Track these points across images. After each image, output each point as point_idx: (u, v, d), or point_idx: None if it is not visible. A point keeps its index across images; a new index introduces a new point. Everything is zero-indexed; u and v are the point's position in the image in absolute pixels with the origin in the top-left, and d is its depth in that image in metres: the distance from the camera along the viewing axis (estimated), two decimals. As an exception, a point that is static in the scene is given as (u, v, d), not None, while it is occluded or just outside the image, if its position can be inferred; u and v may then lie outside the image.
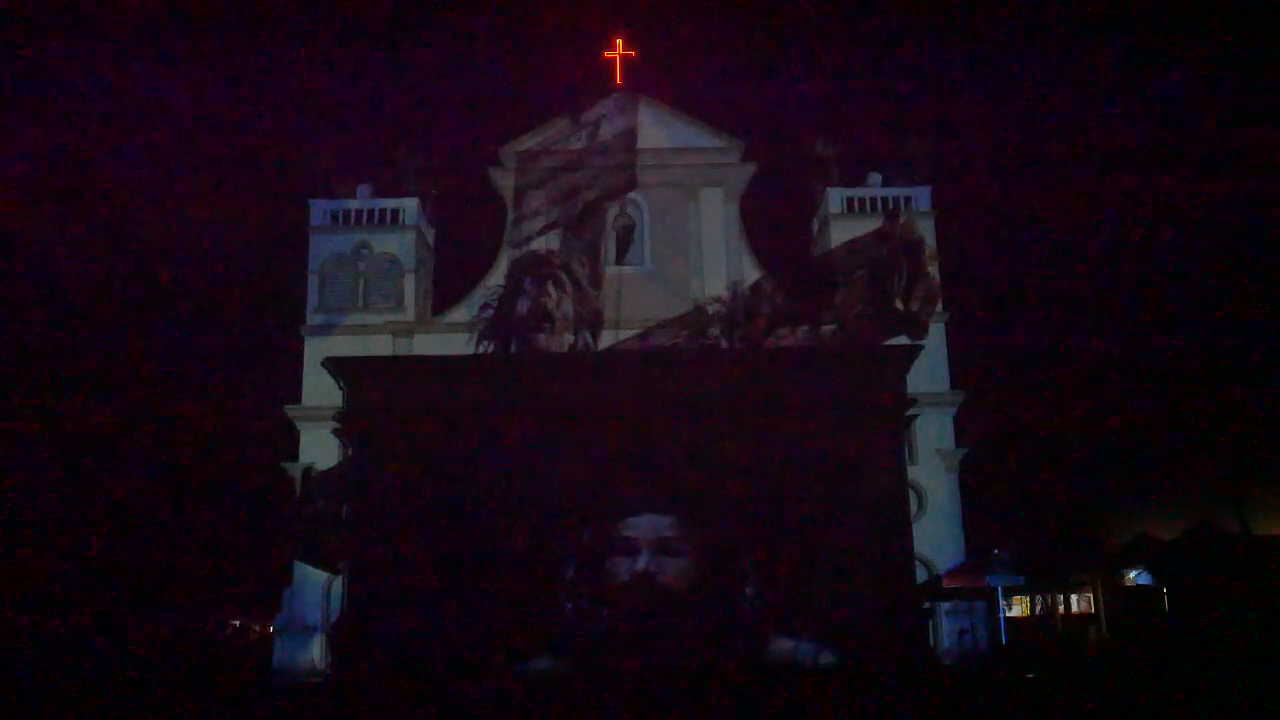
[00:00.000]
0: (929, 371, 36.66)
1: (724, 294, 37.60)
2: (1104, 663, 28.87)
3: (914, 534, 33.42)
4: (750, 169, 41.11)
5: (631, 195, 39.89)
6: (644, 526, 31.24)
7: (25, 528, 41.88)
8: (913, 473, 35.94)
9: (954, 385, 38.24)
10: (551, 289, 36.68)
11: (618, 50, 41.25)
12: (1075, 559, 32.58)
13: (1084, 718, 19.89)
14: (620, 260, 39.93)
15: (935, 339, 37.15)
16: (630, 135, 39.16)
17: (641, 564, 30.71)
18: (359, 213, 40.62)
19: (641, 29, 47.34)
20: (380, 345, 38.56)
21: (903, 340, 35.13)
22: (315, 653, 35.87)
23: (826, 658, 30.43)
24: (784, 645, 30.72)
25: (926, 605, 33.67)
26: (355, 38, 78.02)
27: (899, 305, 35.70)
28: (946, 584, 32.94)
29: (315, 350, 38.09)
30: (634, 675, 27.74)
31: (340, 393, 35.78)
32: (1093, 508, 40.41)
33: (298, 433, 38.27)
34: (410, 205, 40.73)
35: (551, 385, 33.28)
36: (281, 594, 36.85)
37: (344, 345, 37.20)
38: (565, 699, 23.58)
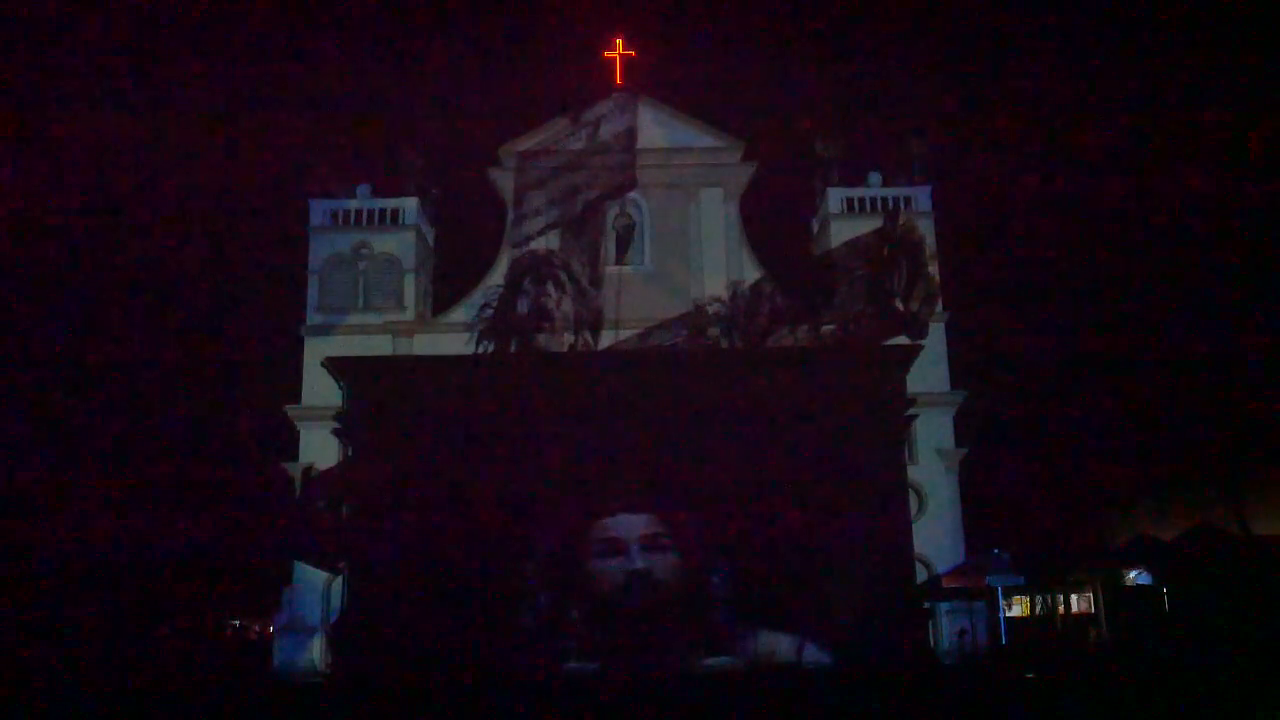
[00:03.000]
0: (929, 371, 36.63)
1: (724, 294, 37.65)
2: (1104, 663, 28.87)
3: (914, 534, 33.47)
4: (750, 169, 41.08)
5: (631, 195, 39.86)
6: (643, 526, 31.30)
7: (25, 528, 41.86)
8: (913, 473, 35.94)
9: (954, 385, 38.23)
10: (551, 289, 36.76)
11: (618, 50, 41.22)
12: (1075, 559, 32.59)
13: (1084, 718, 19.89)
14: (620, 260, 39.90)
15: (935, 339, 37.13)
16: (630, 135, 39.16)
17: (640, 563, 30.81)
18: (359, 213, 40.59)
19: (641, 29, 47.29)
20: (380, 345, 38.54)
21: (903, 340, 35.19)
22: (315, 653, 35.83)
23: (823, 658, 30.48)
24: (783, 645, 30.80)
25: (926, 605, 33.68)
26: (355, 37, 77.98)
27: (899, 305, 35.78)
28: (946, 584, 32.95)
29: (315, 350, 38.07)
30: (628, 675, 27.75)
31: (340, 393, 35.81)
32: (1093, 508, 40.42)
33: (298, 433, 38.26)
34: (410, 205, 40.71)
35: (551, 385, 33.32)
36: (281, 594, 36.83)
37: (344, 345, 37.18)
38: (564, 698, 23.58)
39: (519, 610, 31.27)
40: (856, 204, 40.38)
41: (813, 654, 30.59)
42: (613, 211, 39.74)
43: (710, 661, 30.17)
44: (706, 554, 31.47)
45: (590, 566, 31.03)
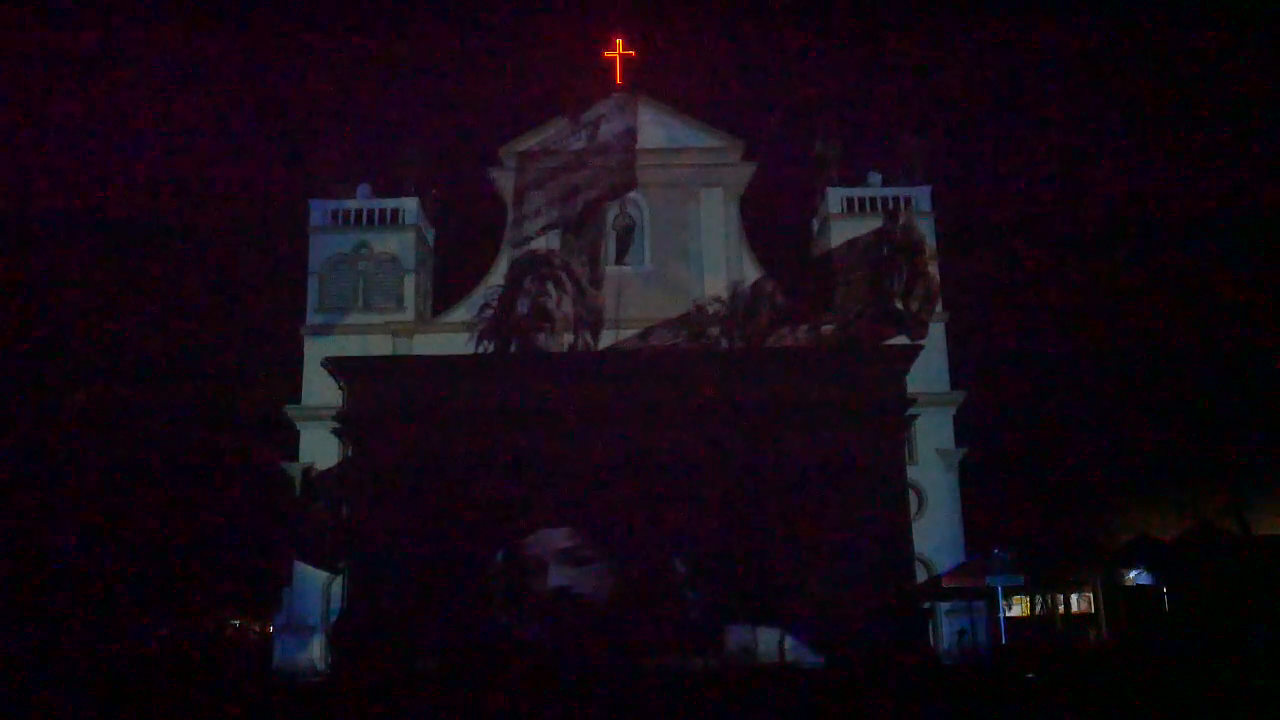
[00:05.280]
0: (929, 371, 36.61)
1: (724, 294, 37.64)
2: (1104, 663, 28.86)
3: (914, 534, 33.47)
4: (750, 169, 41.06)
5: (631, 195, 39.83)
6: (561, 541, 31.54)
7: (25, 528, 41.86)
8: (913, 473, 35.91)
9: (954, 385, 38.21)
10: (551, 289, 36.76)
11: (618, 50, 41.22)
12: (1075, 559, 32.56)
13: (1084, 718, 19.88)
14: (620, 260, 39.87)
15: (935, 339, 37.11)
16: (630, 135, 39.13)
17: (557, 581, 31.08)
18: (359, 213, 40.57)
19: (641, 29, 47.32)
20: (380, 345, 38.53)
21: (903, 340, 35.19)
22: (315, 653, 35.84)
23: (824, 658, 30.49)
24: (781, 645, 30.86)
25: (926, 605, 33.68)
26: (355, 37, 77.98)
27: (899, 305, 35.78)
28: (946, 584, 32.90)
29: (315, 350, 38.07)
30: (621, 675, 27.75)
31: (340, 393, 35.82)
32: (1093, 508, 40.42)
33: (298, 433, 38.27)
34: (410, 205, 40.68)
35: (551, 385, 33.34)
36: (281, 594, 36.85)
37: (344, 345, 37.19)
38: (560, 697, 23.56)
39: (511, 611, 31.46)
40: (856, 204, 40.35)
41: (813, 654, 30.62)
42: (613, 211, 39.72)
43: (706, 661, 30.18)
44: (703, 555, 31.52)
45: (527, 582, 31.35)
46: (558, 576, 31.17)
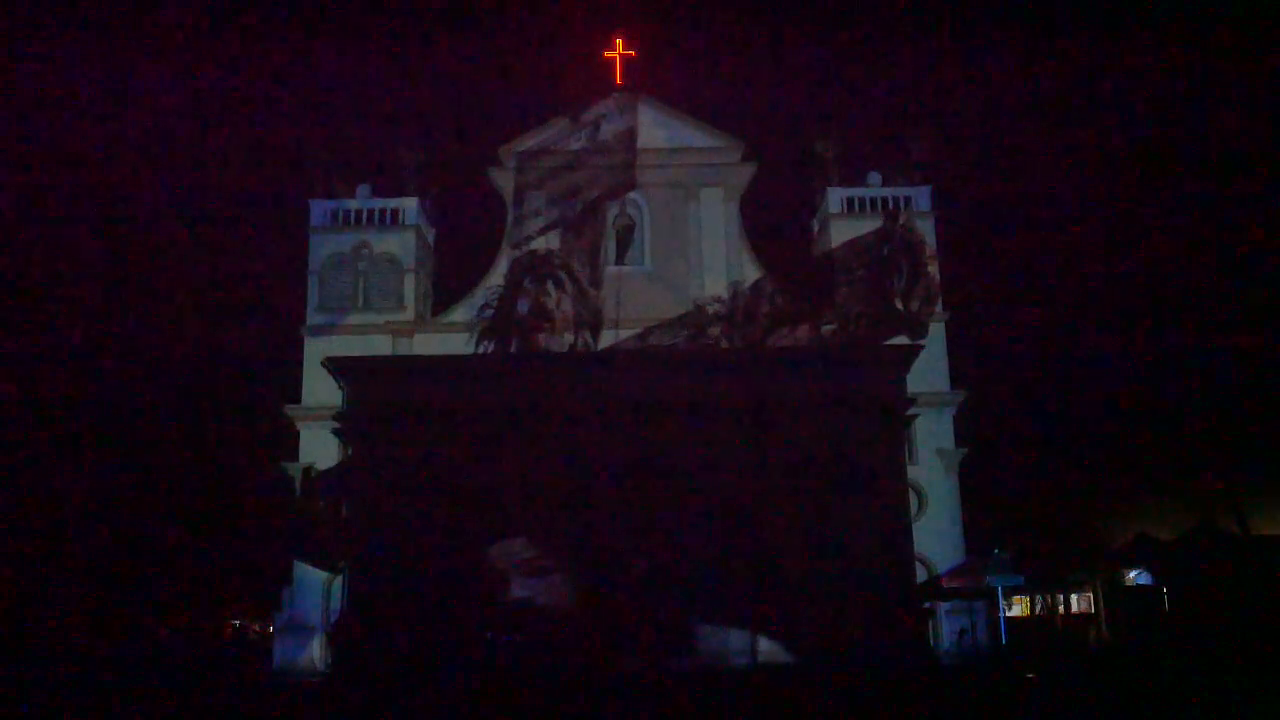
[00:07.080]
0: (929, 371, 36.61)
1: (724, 294, 37.66)
2: (1104, 663, 28.86)
3: (914, 534, 33.47)
4: (750, 169, 41.07)
5: (631, 195, 39.86)
6: (519, 552, 31.58)
7: (26, 528, 41.86)
8: (913, 473, 35.91)
9: (954, 385, 38.22)
10: (551, 289, 36.78)
11: (618, 50, 41.24)
12: (1075, 559, 32.58)
13: (1084, 718, 19.88)
14: (620, 260, 39.88)
15: (935, 339, 37.12)
16: (630, 135, 39.14)
17: (518, 592, 31.16)
18: (359, 213, 40.58)
19: (641, 29, 47.31)
20: (380, 345, 38.53)
21: (903, 340, 35.20)
22: (315, 653, 35.86)
23: (822, 657, 30.46)
24: (781, 645, 30.89)
25: (926, 605, 33.69)
26: (356, 38, 78.04)
27: (899, 305, 35.79)
28: (946, 584, 32.95)
29: (315, 350, 38.08)
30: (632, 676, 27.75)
31: (340, 393, 35.82)
32: (1093, 508, 40.41)
33: (298, 433, 38.27)
34: (410, 205, 40.69)
35: (551, 385, 33.35)
36: (281, 594, 36.84)
37: (344, 345, 37.18)
38: (559, 698, 23.58)
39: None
40: (856, 204, 40.34)
41: (812, 654, 30.61)
42: (613, 211, 39.73)
43: (711, 662, 30.21)
44: (705, 555, 31.52)
45: (495, 592, 31.41)
46: (520, 588, 31.27)
